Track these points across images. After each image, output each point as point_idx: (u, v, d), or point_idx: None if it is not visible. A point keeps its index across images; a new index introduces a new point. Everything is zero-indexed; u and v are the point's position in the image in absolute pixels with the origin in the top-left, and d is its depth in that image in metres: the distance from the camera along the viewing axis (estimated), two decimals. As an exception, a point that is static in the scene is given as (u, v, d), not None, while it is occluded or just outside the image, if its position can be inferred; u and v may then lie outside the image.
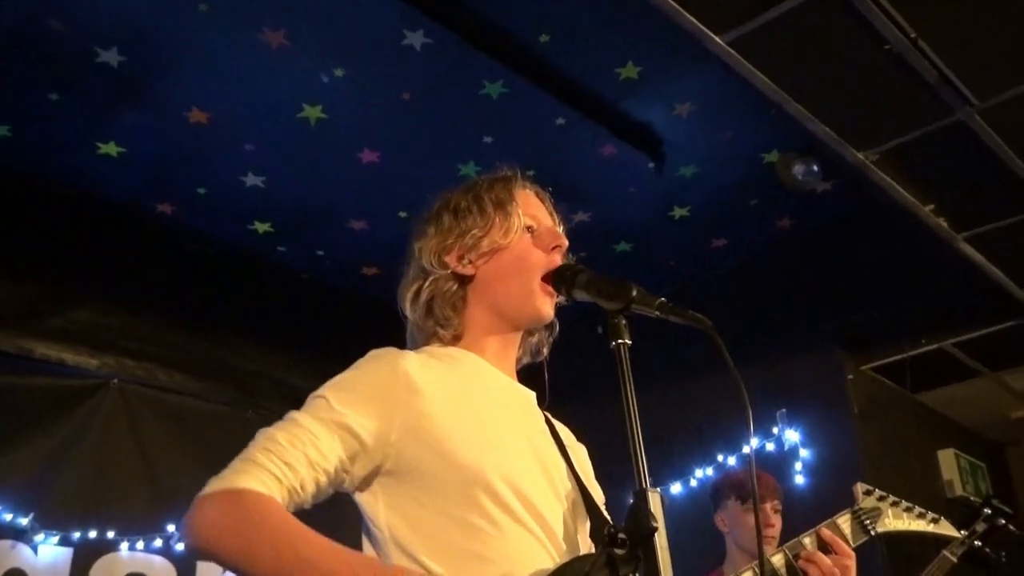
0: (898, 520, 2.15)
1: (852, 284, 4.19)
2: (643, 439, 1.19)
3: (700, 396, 4.36)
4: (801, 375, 4.40)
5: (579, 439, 1.51)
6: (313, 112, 3.11)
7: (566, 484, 1.35)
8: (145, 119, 3.11)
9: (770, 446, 4.31)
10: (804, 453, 4.24)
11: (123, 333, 3.69)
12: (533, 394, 1.46)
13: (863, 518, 2.08)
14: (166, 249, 3.77)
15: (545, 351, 1.52)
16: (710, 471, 4.36)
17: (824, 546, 1.95)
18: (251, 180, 3.45)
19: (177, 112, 3.08)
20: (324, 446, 1.21)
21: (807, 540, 1.97)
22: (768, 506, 2.92)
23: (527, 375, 1.51)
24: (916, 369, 4.56)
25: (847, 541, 2.01)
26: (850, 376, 4.44)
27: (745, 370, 1.19)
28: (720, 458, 4.38)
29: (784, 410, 4.30)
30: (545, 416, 1.46)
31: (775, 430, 4.30)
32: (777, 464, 4.18)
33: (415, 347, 1.45)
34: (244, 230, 3.75)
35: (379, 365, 1.31)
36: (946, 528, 2.29)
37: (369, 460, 1.25)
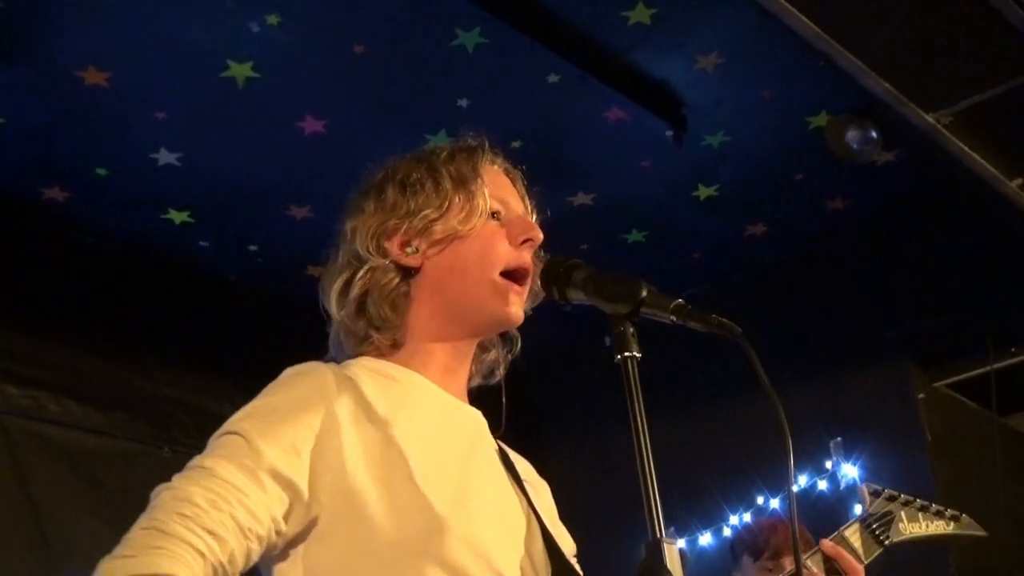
0: (914, 524, 2.22)
1: (922, 280, 4.21)
2: (661, 477, 1.19)
3: (735, 423, 4.37)
4: (860, 395, 4.41)
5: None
6: (241, 70, 3.10)
7: (523, 533, 1.34)
8: (27, 80, 3.09)
9: (823, 484, 4.32)
10: (865, 492, 4.26)
11: (3, 352, 3.67)
12: (482, 416, 1.46)
13: (874, 526, 2.13)
14: (57, 245, 3.75)
15: (500, 372, 1.52)
16: (747, 517, 4.37)
17: (831, 566, 2.00)
18: (164, 157, 3.44)
19: (68, 71, 3.06)
20: (254, 504, 1.18)
21: (810, 562, 2.02)
22: (787, 561, 3.08)
23: (477, 395, 1.51)
24: (1004, 386, 4.57)
25: (858, 556, 2.07)
26: (922, 395, 4.45)
27: (788, 389, 1.20)
28: (760, 500, 4.39)
29: (839, 439, 4.31)
30: (499, 447, 1.45)
31: (828, 464, 4.31)
32: (831, 507, 4.18)
33: (341, 357, 1.45)
34: (156, 220, 3.74)
35: (304, 384, 1.30)
36: (970, 527, 2.33)
37: (305, 514, 1.23)
